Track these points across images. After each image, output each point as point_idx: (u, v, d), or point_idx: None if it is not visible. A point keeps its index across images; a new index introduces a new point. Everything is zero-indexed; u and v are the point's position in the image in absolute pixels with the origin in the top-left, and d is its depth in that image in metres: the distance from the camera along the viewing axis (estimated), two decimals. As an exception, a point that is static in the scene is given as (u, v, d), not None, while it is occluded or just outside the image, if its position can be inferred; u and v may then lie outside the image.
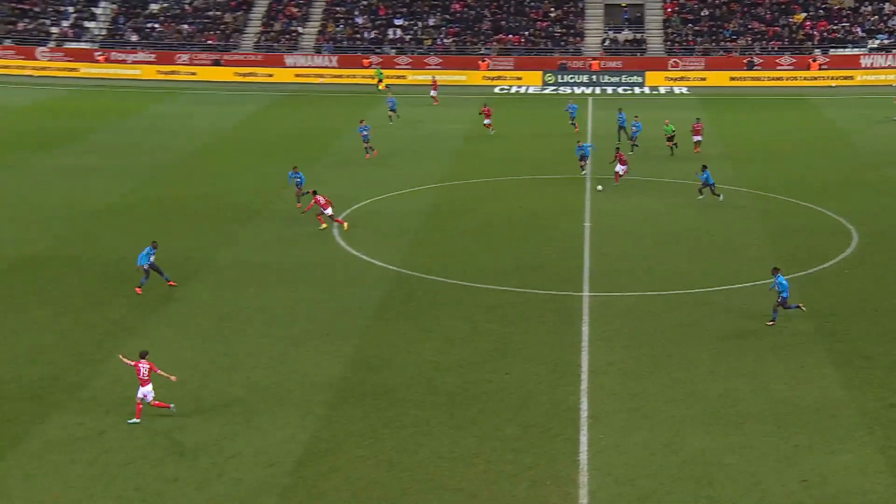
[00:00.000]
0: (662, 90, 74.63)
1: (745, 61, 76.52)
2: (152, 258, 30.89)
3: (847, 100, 69.59)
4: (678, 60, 77.06)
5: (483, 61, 77.18)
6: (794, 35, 79.32)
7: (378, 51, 79.37)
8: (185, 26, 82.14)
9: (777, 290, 28.38)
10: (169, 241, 36.46)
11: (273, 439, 22.14)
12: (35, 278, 32.51)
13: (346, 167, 48.34)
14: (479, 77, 76.28)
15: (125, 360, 23.71)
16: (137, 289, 30.78)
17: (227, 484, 20.41)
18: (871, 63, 76.19)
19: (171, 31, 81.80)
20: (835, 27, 79.49)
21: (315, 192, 37.63)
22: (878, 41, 77.87)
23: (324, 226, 37.20)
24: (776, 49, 78.06)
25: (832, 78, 75.03)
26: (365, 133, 49.33)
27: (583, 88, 74.43)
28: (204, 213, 40.24)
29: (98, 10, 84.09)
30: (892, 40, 77.97)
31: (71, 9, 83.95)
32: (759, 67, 76.24)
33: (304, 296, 31.00)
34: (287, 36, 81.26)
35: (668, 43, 79.74)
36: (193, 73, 77.68)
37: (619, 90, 74.36)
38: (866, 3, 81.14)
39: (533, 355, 26.72)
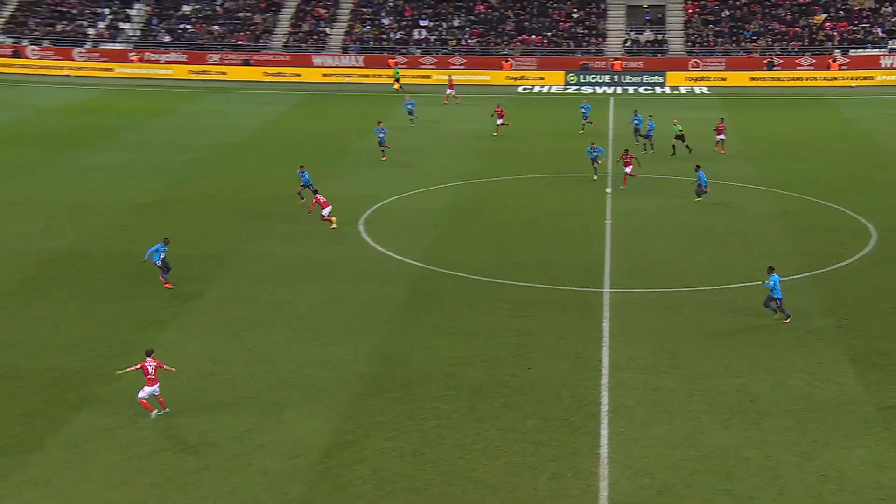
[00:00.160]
0: (683, 90, 74.21)
1: (765, 62, 75.96)
2: (163, 255, 30.75)
3: (867, 100, 68.95)
4: (699, 61, 76.60)
5: (506, 61, 77.03)
6: (814, 36, 78.66)
7: (403, 51, 79.38)
8: (216, 27, 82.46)
9: (769, 288, 28.15)
10: (199, 236, 36.69)
11: (299, 431, 22.19)
12: (69, 272, 32.74)
13: (371, 165, 48.37)
14: (502, 77, 76.14)
15: (128, 369, 23.27)
16: (167, 284, 30.84)
17: (254, 474, 20.48)
18: (892, 63, 75.43)
19: (203, 31, 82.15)
20: (855, 28, 78.77)
21: (316, 192, 37.59)
22: (897, 42, 77.18)
23: (334, 226, 36.97)
24: (796, 50, 77.45)
25: (852, 78, 74.37)
26: (381, 135, 49.00)
27: (604, 88, 74.14)
28: (234, 209, 40.38)
29: (133, 12, 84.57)
30: (912, 41, 77.23)
31: (107, 10, 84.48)
32: (779, 68, 75.66)
33: (330, 291, 31.05)
34: (315, 36, 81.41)
35: (689, 43, 79.29)
36: (224, 73, 77.97)
37: (641, 90, 74.01)
38: (886, 3, 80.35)
39: (554, 350, 26.65)
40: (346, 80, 76.66)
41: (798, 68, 75.64)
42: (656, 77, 75.43)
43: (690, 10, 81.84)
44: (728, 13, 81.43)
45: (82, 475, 20.41)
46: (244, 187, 43.88)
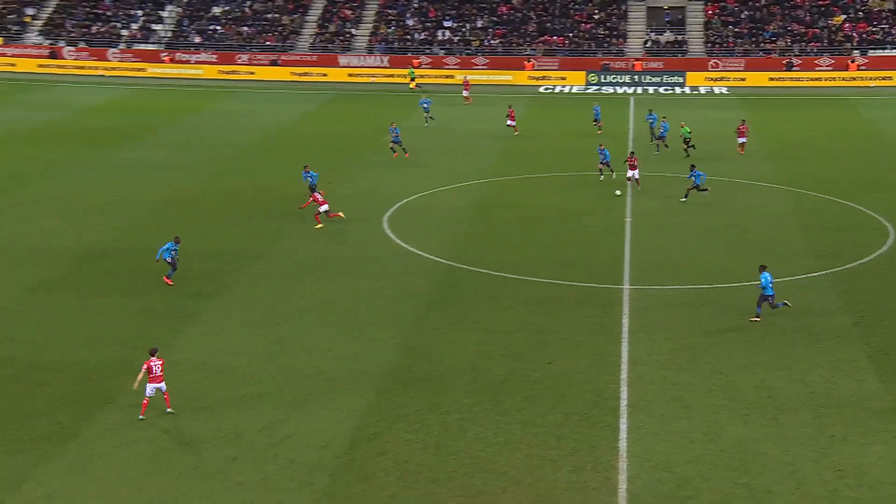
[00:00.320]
0: (703, 90, 73.79)
1: (784, 62, 75.40)
2: (174, 252, 30.66)
3: (886, 100, 68.28)
4: (718, 61, 76.14)
5: (528, 62, 76.86)
6: (833, 36, 77.99)
7: (427, 51, 79.35)
8: (245, 28, 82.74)
9: (760, 287, 27.88)
10: (227, 233, 36.83)
11: (325, 422, 22.23)
12: (102, 267, 32.94)
13: (395, 163, 48.37)
14: (524, 77, 75.98)
15: (139, 378, 22.53)
16: (167, 281, 30.67)
17: (281, 464, 20.54)
18: (911, 63, 74.74)
19: (232, 32, 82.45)
20: (874, 29, 78.02)
21: (313, 190, 37.51)
22: (916, 42, 76.40)
23: (319, 226, 36.77)
24: (815, 50, 76.80)
25: (871, 79, 73.67)
26: (394, 135, 48.71)
27: (625, 88, 73.84)
28: (261, 206, 40.50)
29: (164, 14, 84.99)
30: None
31: (140, 12, 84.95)
32: (797, 68, 75.08)
33: (355, 286, 31.08)
34: (341, 37, 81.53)
35: (709, 44, 78.81)
36: (252, 73, 78.23)
37: (661, 90, 73.65)
38: (905, 5, 79.59)
39: (575, 345, 26.57)
40: (372, 79, 76.73)
41: (817, 69, 75.03)
42: (676, 77, 75.05)
43: (710, 12, 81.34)
44: (747, 14, 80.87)
45: (116, 463, 20.54)
46: (271, 185, 43.99)
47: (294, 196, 41.78)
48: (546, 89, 74.11)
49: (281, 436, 21.65)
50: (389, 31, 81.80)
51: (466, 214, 39.39)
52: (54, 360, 25.50)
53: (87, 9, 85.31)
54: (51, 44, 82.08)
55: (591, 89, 73.82)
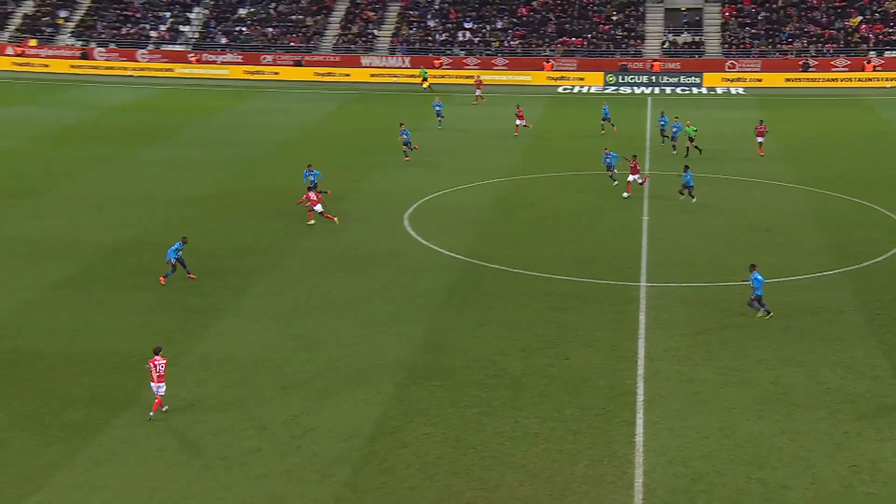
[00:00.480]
0: (719, 90, 73.39)
1: (800, 63, 74.86)
2: (180, 253, 30.52)
3: (901, 100, 67.70)
4: (735, 62, 75.69)
5: (547, 62, 76.68)
6: (849, 38, 77.36)
7: (448, 52, 79.31)
8: (270, 29, 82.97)
9: (752, 287, 27.65)
10: (252, 229, 36.94)
11: (347, 415, 22.29)
12: (133, 262, 33.13)
13: (416, 162, 48.33)
14: (543, 77, 75.81)
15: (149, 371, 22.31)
16: (161, 279, 30.50)
17: (304, 455, 20.61)
18: (927, 65, 74.04)
19: (257, 33, 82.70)
20: (890, 30, 77.32)
21: (309, 189, 37.35)
22: (932, 43, 75.66)
23: (311, 221, 36.67)
24: (831, 51, 76.22)
25: (887, 79, 73.03)
26: (405, 136, 48.32)
27: (642, 89, 73.54)
28: (285, 203, 40.53)
29: (192, 15, 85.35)
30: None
31: (168, 14, 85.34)
32: (814, 69, 74.52)
33: (376, 282, 31.13)
34: (363, 38, 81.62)
35: (726, 45, 78.34)
36: (277, 73, 78.43)
37: (678, 90, 73.32)
38: (921, 6, 78.84)
39: (592, 341, 26.51)
40: (393, 79, 76.74)
41: (833, 69, 74.47)
42: (693, 78, 74.66)
43: (727, 13, 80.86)
44: (764, 15, 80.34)
45: (143, 454, 20.68)
46: (294, 183, 44.02)
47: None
48: (564, 90, 73.92)
49: (304, 428, 21.73)
50: (411, 32, 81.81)
51: (485, 212, 39.36)
52: (85, 353, 25.68)
53: (118, 11, 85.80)
54: (82, 45, 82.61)
55: (609, 90, 73.57)
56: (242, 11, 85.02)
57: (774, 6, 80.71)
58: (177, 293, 30.12)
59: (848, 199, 41.14)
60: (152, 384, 22.04)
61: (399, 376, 24.34)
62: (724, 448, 20.92)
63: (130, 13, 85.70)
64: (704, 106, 66.34)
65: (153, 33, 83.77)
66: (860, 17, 78.66)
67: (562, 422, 22.02)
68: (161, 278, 30.59)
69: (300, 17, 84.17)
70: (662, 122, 52.04)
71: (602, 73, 75.46)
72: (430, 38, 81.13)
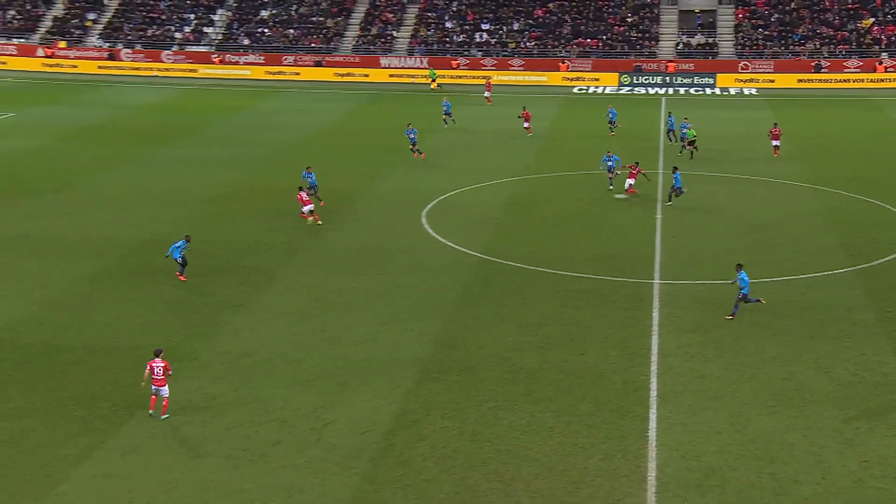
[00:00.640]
0: (732, 91, 73.01)
1: (812, 64, 74.36)
2: (183, 251, 30.31)
3: (912, 101, 67.12)
4: (748, 63, 75.26)
5: (563, 63, 76.50)
6: (861, 39, 76.77)
7: (466, 53, 79.22)
8: (292, 31, 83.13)
9: (738, 286, 27.39)
10: (272, 226, 37.00)
11: (365, 409, 22.28)
12: (154, 259, 33.20)
13: (433, 161, 48.34)
14: (559, 78, 75.65)
15: (145, 375, 21.99)
16: (181, 277, 30.39)
17: (323, 448, 20.62)
18: (937, 66, 73.39)
19: (279, 35, 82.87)
20: (901, 31, 76.74)
21: (301, 189, 36.98)
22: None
23: (310, 220, 36.22)
24: (843, 53, 75.67)
25: (899, 80, 72.52)
26: (412, 136, 48.00)
27: (656, 89, 73.24)
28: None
29: (215, 17, 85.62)
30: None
31: (192, 16, 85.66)
32: (826, 70, 74.02)
33: (394, 279, 31.12)
34: (382, 39, 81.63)
35: (739, 46, 77.91)
36: (297, 74, 78.58)
37: (692, 91, 72.98)
38: (933, 8, 78.16)
39: (606, 338, 26.41)
40: (411, 80, 76.74)
41: (845, 70, 73.97)
42: (707, 79, 74.30)
43: (741, 15, 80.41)
44: (777, 17, 79.83)
45: (167, 445, 20.75)
46: (317, 180, 44.08)
47: (338, 191, 41.91)
48: (580, 90, 73.72)
49: (323, 421, 21.74)
50: (429, 33, 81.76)
51: (501, 210, 39.28)
52: (109, 347, 25.79)
53: (144, 13, 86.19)
54: (110, 46, 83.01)
55: (624, 90, 73.32)
56: (264, 13, 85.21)
57: (787, 8, 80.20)
58: (200, 289, 30.20)
59: (859, 199, 40.83)
60: (153, 386, 21.63)
61: (416, 371, 24.32)
62: (736, 443, 20.79)
63: (156, 15, 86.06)
64: (717, 106, 66.03)
65: (178, 35, 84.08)
66: (872, 19, 78.06)
67: (576, 416, 21.95)
68: (179, 276, 30.55)
69: (321, 18, 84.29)
70: (670, 123, 51.74)
71: (617, 73, 75.22)
72: (447, 39, 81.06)
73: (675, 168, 39.80)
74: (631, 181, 40.33)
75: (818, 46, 76.55)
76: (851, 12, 79.02)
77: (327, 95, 71.36)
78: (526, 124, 54.04)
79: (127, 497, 18.94)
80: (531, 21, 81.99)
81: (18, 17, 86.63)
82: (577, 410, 22.23)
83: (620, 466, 19.94)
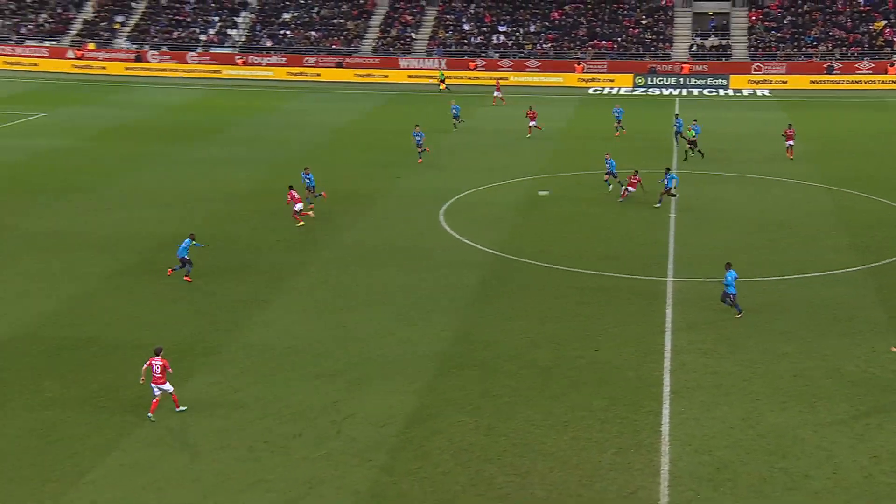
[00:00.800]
0: (745, 92, 72.58)
1: (825, 66, 73.82)
2: (189, 249, 30.11)
3: (923, 102, 66.51)
4: (761, 65, 74.81)
5: (578, 64, 76.30)
6: (873, 41, 76.15)
7: (483, 54, 79.12)
8: (313, 33, 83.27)
9: (724, 284, 27.15)
10: (293, 224, 37.06)
11: (383, 403, 22.31)
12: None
13: (451, 160, 48.32)
14: (574, 79, 75.45)
15: (143, 369, 21.77)
16: (185, 277, 30.25)
17: (343, 441, 20.66)
18: (948, 67, 72.65)
19: (301, 37, 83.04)
20: (913, 33, 76.05)
21: (291, 187, 36.72)
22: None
23: (301, 223, 36.24)
24: (856, 55, 75.08)
25: (910, 81, 71.88)
26: (418, 138, 47.47)
27: (670, 90, 72.91)
28: (325, 199, 40.67)
29: (239, 20, 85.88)
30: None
31: (217, 18, 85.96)
32: (838, 72, 73.47)
33: (412, 276, 31.12)
34: (402, 41, 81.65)
35: (752, 48, 77.44)
36: (318, 75, 78.72)
37: (705, 92, 72.60)
38: (944, 10, 77.40)
39: (620, 334, 26.32)
40: (430, 81, 76.70)
41: (857, 72, 73.39)
42: (720, 80, 73.90)
43: (754, 17, 79.92)
44: (790, 20, 79.30)
45: (191, 437, 20.85)
46: (335, 179, 44.20)
47: (357, 190, 41.99)
48: (595, 91, 73.49)
49: (342, 415, 21.78)
50: (447, 35, 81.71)
51: (517, 209, 39.22)
52: (137, 340, 25.91)
53: (170, 16, 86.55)
54: (137, 48, 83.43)
55: (639, 91, 73.04)
56: (287, 16, 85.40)
57: (800, 11, 79.65)
58: (224, 284, 30.32)
59: (871, 199, 40.51)
60: (153, 385, 21.37)
61: (433, 366, 24.32)
62: (748, 438, 20.69)
63: (181, 18, 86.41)
64: (730, 107, 65.66)
65: (202, 37, 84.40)
66: (884, 22, 77.43)
67: (590, 411, 21.90)
68: (185, 274, 30.26)
69: (341, 20, 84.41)
70: (677, 125, 51.19)
71: (631, 74, 74.93)
72: (465, 40, 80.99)
73: (668, 169, 39.51)
74: (631, 189, 39.43)
75: (830, 48, 75.98)
76: (864, 15, 78.39)
77: (348, 96, 71.45)
78: (532, 123, 53.61)
79: (153, 486, 19.06)
80: (547, 23, 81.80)
81: (50, 20, 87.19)
82: (592, 405, 22.18)
83: (634, 460, 19.89)
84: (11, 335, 26.26)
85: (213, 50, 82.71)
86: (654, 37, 79.78)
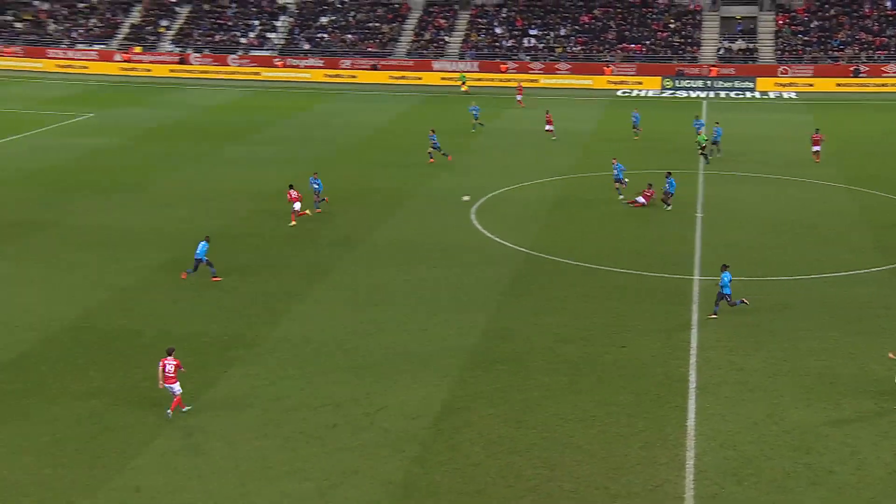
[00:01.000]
0: (772, 95, 71.79)
1: (851, 69, 72.80)
2: (206, 253, 29.91)
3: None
4: (787, 68, 73.93)
5: (608, 67, 75.85)
6: (899, 44, 75.00)
7: (514, 57, 78.92)
8: (349, 36, 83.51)
9: (719, 285, 26.77)
10: (329, 221, 37.23)
11: (415, 396, 22.34)
12: (221, 250, 33.55)
13: (481, 159, 48.23)
14: (603, 82, 75.00)
15: (159, 377, 21.37)
16: (182, 275, 30.04)
17: (376, 432, 20.72)
18: (974, 70, 71.35)
19: (337, 40, 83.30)
20: (939, 37, 74.76)
21: (291, 187, 36.50)
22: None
23: (293, 223, 36.06)
24: (882, 58, 73.97)
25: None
26: (434, 141, 47.11)
27: (697, 93, 72.29)
28: (361, 197, 40.82)
29: (278, 23, 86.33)
30: None
31: (257, 22, 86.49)
32: (864, 75, 72.43)
33: (443, 272, 31.13)
34: (435, 44, 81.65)
35: (779, 52, 76.56)
36: (354, 77, 78.93)
37: (732, 94, 71.89)
38: (971, 13, 75.99)
39: (647, 331, 26.16)
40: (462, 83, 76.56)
41: (884, 75, 72.33)
42: (747, 83, 73.14)
43: (781, 21, 79.01)
44: (817, 24, 78.30)
45: (230, 427, 21.00)
46: (369, 178, 44.34)
47: (391, 189, 42.04)
48: (623, 93, 73.04)
49: (376, 406, 21.84)
50: (479, 38, 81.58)
51: (546, 207, 39.08)
52: (178, 333, 26.14)
53: (212, 20, 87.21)
54: (181, 51, 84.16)
55: (666, 93, 72.49)
56: (324, 19, 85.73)
57: (827, 15, 78.62)
58: (262, 279, 30.52)
59: (894, 199, 39.96)
60: (167, 385, 21.18)
61: (464, 360, 24.32)
62: (773, 434, 20.48)
63: (223, 22, 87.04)
64: (757, 110, 64.97)
65: (243, 40, 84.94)
66: (911, 25, 76.19)
67: (617, 406, 21.79)
68: (185, 274, 30.06)
69: (377, 24, 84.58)
70: (697, 127, 50.57)
71: (659, 77, 74.37)
72: (497, 44, 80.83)
73: (669, 173, 39.03)
74: (642, 201, 38.42)
75: (857, 52, 74.92)
76: (890, 18, 77.22)
77: (383, 97, 71.57)
78: (547, 127, 53.10)
79: (195, 472, 19.24)
80: (577, 27, 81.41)
81: (99, 25, 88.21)
82: (618, 400, 22.07)
83: (660, 454, 19.77)
84: (60, 327, 26.61)
85: (253, 52, 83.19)
86: (682, 40, 79.13)
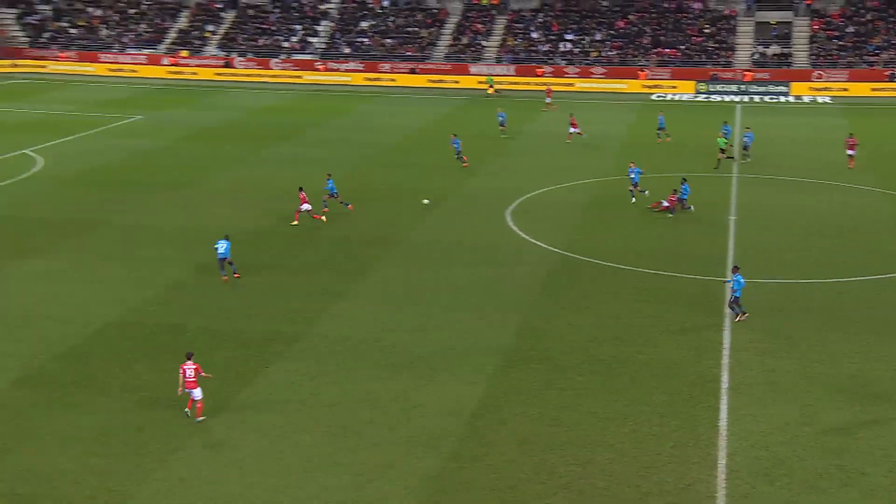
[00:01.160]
0: (806, 99, 70.79)
1: (886, 74, 71.54)
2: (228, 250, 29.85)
3: None
4: (822, 72, 72.84)
5: (642, 71, 75.28)
6: (935, 48, 73.56)
7: (550, 62, 78.62)
8: (389, 40, 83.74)
9: (732, 288, 26.30)
10: (369, 221, 37.33)
11: (451, 393, 22.35)
12: (262, 249, 33.89)
13: (516, 162, 48.11)
14: (638, 85, 74.46)
15: (180, 383, 21.03)
16: (235, 275, 30.10)
17: (413, 428, 20.76)
18: None
19: (377, 44, 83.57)
20: (976, 41, 73.19)
21: (301, 189, 36.40)
22: None
23: (295, 223, 35.97)
24: (917, 62, 72.61)
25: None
26: (456, 146, 46.82)
27: (731, 97, 71.51)
28: (400, 197, 40.90)
29: (319, 28, 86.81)
30: None
31: (299, 27, 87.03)
32: (900, 78, 71.16)
33: (479, 272, 31.10)
34: (472, 48, 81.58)
35: (813, 56, 75.46)
36: (393, 80, 79.10)
37: (766, 99, 71.00)
38: None
39: (679, 332, 25.94)
40: (499, 87, 76.42)
41: (919, 79, 70.96)
42: (781, 87, 72.20)
43: (816, 26, 77.88)
44: (852, 29, 77.05)
45: (270, 421, 21.17)
46: (407, 179, 44.42)
47: (429, 190, 42.05)
48: (658, 97, 72.45)
49: (412, 403, 21.88)
50: (516, 42, 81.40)
51: (581, 209, 38.89)
52: (220, 328, 26.41)
53: (256, 25, 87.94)
54: (225, 55, 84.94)
55: (701, 97, 71.81)
56: (364, 24, 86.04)
57: (863, 20, 77.35)
58: (303, 278, 30.71)
59: (931, 204, 39.19)
60: (188, 390, 20.91)
61: (499, 359, 24.28)
62: (805, 435, 20.22)
63: (266, 27, 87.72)
64: (791, 114, 64.12)
65: (285, 44, 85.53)
66: (947, 29, 74.72)
67: (650, 405, 21.63)
68: (235, 275, 30.06)
69: (416, 29, 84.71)
70: (726, 132, 49.76)
71: (693, 81, 73.68)
72: (533, 48, 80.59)
73: (684, 179, 38.57)
74: (666, 204, 37.71)
75: (893, 56, 73.62)
76: (926, 23, 75.81)
77: (421, 100, 71.66)
78: (571, 130, 52.49)
79: (237, 465, 19.42)
80: (613, 31, 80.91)
81: (148, 30, 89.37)
82: (651, 400, 21.91)
83: (691, 454, 19.59)
84: (107, 321, 26.99)
85: (296, 56, 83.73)
86: (716, 45, 78.32)
